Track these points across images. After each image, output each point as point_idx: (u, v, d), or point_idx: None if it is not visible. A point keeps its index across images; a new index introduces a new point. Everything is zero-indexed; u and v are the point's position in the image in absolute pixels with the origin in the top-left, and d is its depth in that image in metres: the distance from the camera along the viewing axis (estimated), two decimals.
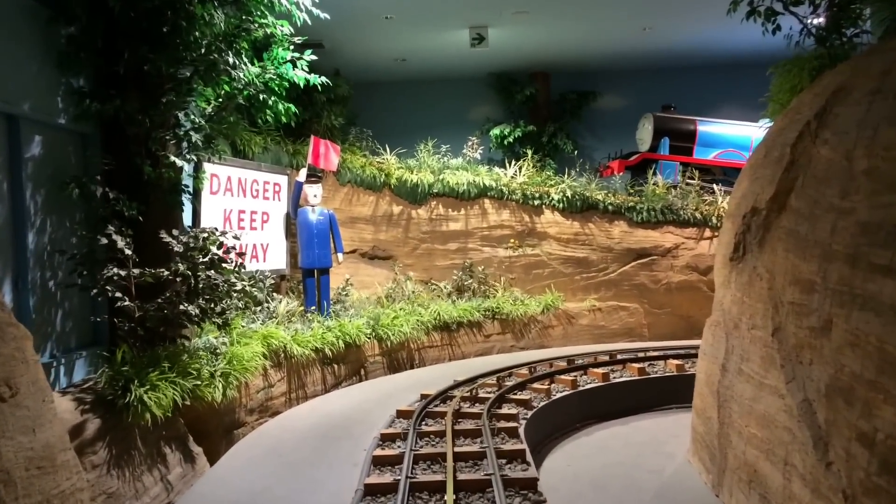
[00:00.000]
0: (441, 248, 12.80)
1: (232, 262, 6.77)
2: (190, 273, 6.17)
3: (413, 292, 12.06)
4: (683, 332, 12.94)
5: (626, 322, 12.91)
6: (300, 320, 9.69)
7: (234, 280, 6.74)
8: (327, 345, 9.28)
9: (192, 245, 6.54)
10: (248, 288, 7.10)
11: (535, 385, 8.46)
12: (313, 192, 10.48)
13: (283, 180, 10.57)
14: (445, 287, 12.45)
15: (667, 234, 13.13)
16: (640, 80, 16.50)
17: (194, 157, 7.38)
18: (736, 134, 14.99)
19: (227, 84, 7.57)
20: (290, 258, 10.71)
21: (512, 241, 12.94)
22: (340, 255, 10.83)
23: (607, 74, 16.56)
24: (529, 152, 13.66)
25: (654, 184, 13.60)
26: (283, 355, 8.64)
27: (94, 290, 6.01)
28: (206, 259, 6.57)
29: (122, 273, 5.95)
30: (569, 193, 13.04)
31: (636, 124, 15.55)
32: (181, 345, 6.72)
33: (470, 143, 13.68)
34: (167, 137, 6.91)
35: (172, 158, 6.79)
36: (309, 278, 10.42)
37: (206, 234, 6.60)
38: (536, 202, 13.09)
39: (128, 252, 6.12)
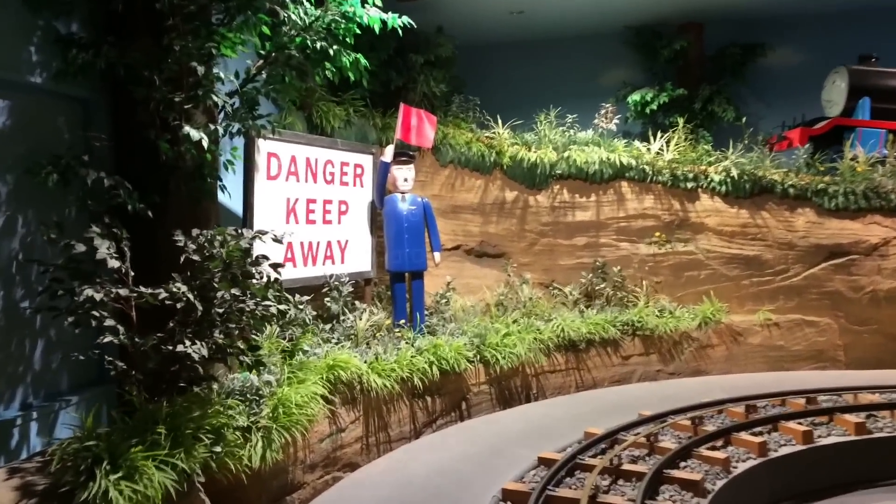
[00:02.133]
0: (565, 244, 10.50)
1: (262, 274, 4.87)
2: (191, 296, 4.32)
3: (530, 299, 9.87)
4: (893, 357, 9.90)
5: (814, 342, 10.04)
6: (387, 337, 7.80)
7: (270, 302, 4.85)
8: (417, 373, 7.33)
9: (206, 252, 4.71)
10: (291, 310, 5.23)
11: (707, 452, 6.03)
12: (403, 175, 8.53)
13: (366, 161, 8.70)
14: (571, 293, 10.16)
15: (872, 226, 10.07)
16: (822, 26, 13.20)
17: (233, 128, 5.60)
18: None
19: (267, 26, 5.72)
20: (376, 257, 8.85)
21: (657, 234, 10.41)
22: (437, 255, 8.83)
23: (779, 21, 13.40)
24: (680, 121, 10.95)
25: (852, 158, 10.52)
26: (358, 388, 6.78)
27: (71, 318, 4.32)
28: (224, 272, 4.72)
29: (98, 295, 4.21)
30: (734, 173, 10.29)
31: (819, 83, 12.39)
32: (204, 390, 4.95)
33: (603, 112, 11.20)
34: (188, 102, 5.14)
35: (188, 130, 5.00)
36: (398, 284, 8.51)
37: (221, 237, 4.74)
38: (690, 185, 10.45)
39: (115, 264, 4.38)
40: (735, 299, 10.23)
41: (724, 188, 10.37)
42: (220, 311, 4.74)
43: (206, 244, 4.80)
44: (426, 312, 8.78)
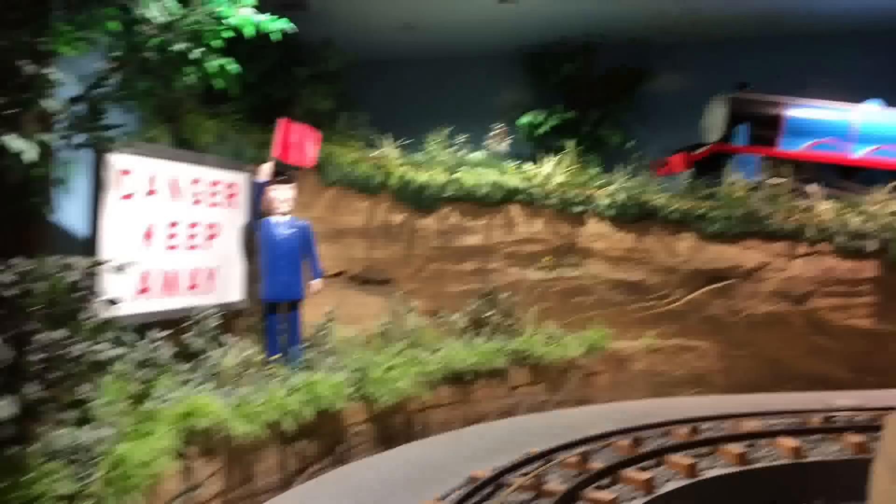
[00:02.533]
0: (454, 269, 10.23)
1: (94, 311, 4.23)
2: None
3: (416, 328, 9.49)
4: (769, 381, 10.22)
5: (694, 367, 10.22)
6: (258, 375, 7.19)
7: (102, 345, 4.21)
8: (288, 415, 6.77)
9: (23, 287, 4.03)
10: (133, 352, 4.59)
11: (594, 494, 5.81)
12: (281, 195, 7.98)
13: (241, 180, 8.08)
14: (459, 321, 9.87)
15: (749, 251, 10.40)
16: (705, 53, 13.72)
17: (75, 140, 4.92)
18: (832, 119, 12.19)
19: (118, 23, 5.08)
20: (249, 286, 8.21)
21: (547, 259, 10.33)
22: (318, 283, 8.29)
23: (664, 48, 13.82)
24: (571, 144, 10.96)
25: (731, 183, 10.86)
26: (218, 436, 6.14)
27: None
28: (47, 309, 4.05)
29: None
30: (621, 197, 10.37)
31: (699, 110, 12.82)
32: (18, 453, 4.21)
33: (494, 133, 11.06)
34: (13, 106, 4.43)
35: (9, 140, 4.29)
36: (272, 315, 7.92)
37: (44, 268, 4.08)
38: (578, 209, 10.45)
39: None
40: (620, 325, 10.27)
41: (611, 212, 10.43)
42: (38, 358, 4.06)
43: (22, 276, 4.10)
44: (303, 346, 8.22)
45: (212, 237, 7.71)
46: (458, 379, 8.84)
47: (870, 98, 12.73)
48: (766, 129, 12.22)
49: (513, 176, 10.44)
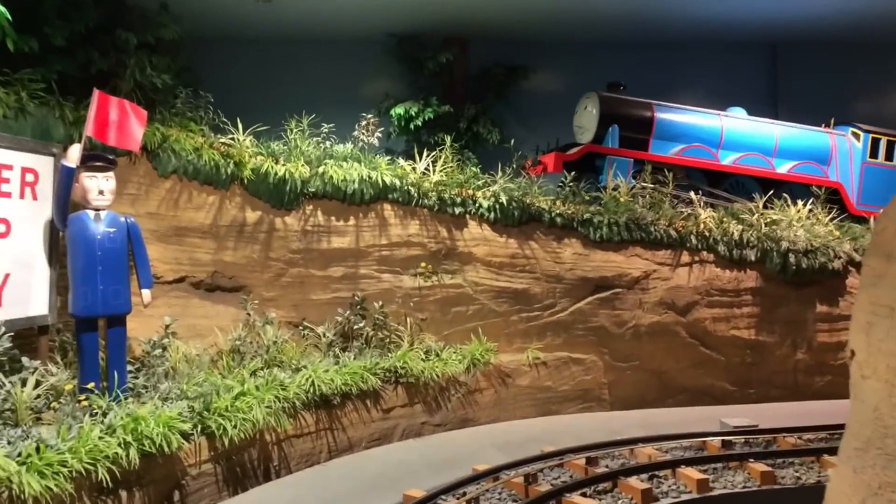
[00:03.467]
0: (319, 276, 9.04)
1: None
2: None
3: (275, 342, 8.23)
4: (655, 394, 9.92)
5: (581, 381, 9.69)
6: (68, 409, 5.68)
7: None
8: (104, 461, 5.33)
9: None
10: None
11: None
12: (97, 185, 6.46)
13: (44, 164, 6.49)
14: (325, 333, 8.70)
15: (633, 258, 10.05)
16: (581, 54, 13.50)
17: None
18: (702, 124, 12.26)
19: None
20: (56, 297, 6.60)
21: (423, 265, 9.39)
22: (147, 293, 6.82)
23: (539, 45, 13.44)
24: (448, 139, 10.09)
25: (614, 188, 10.49)
26: (5, 494, 4.64)
27: None
28: None
29: None
30: (503, 199, 9.66)
31: (573, 108, 12.48)
32: None
33: (364, 124, 9.99)
34: None
35: None
36: (87, 333, 6.36)
37: None
38: (458, 210, 9.61)
39: None
40: (504, 337, 9.55)
41: (492, 215, 9.68)
42: None
43: None
44: (131, 369, 6.73)
45: (2, 236, 6.06)
46: (324, 403, 7.68)
47: (733, 106, 12.99)
48: (638, 131, 12.07)
49: (385, 172, 9.42)
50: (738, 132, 12.42)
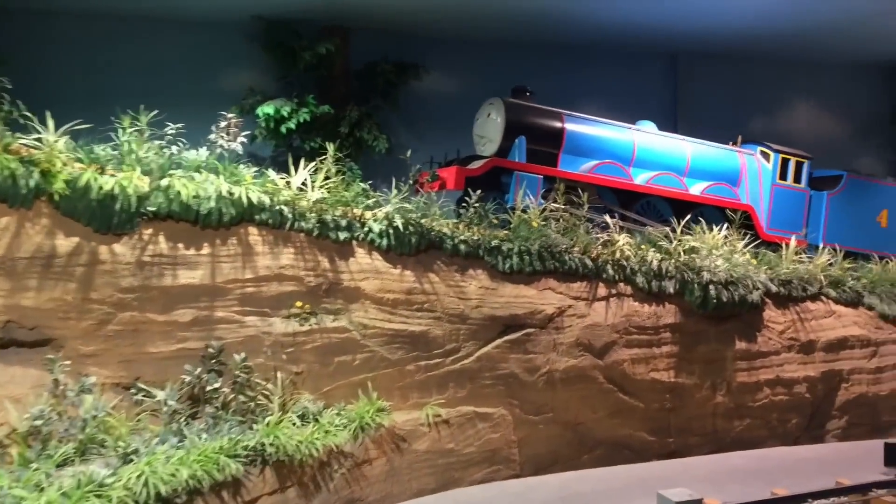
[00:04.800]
0: (161, 321, 6.98)
1: None
2: None
3: (95, 417, 6.13)
4: (570, 450, 8.68)
5: (487, 440, 8.24)
6: None
7: None
8: None
9: None
10: None
11: None
12: None
13: None
14: (167, 400, 6.66)
15: (547, 292, 8.76)
16: (481, 53, 12.12)
17: None
18: (614, 139, 11.25)
19: None
20: None
21: (299, 304, 7.56)
22: None
23: (434, 41, 11.92)
24: (330, 148, 8.27)
25: (523, 210, 9.14)
26: None
27: None
28: None
29: None
30: (398, 222, 8.02)
31: (474, 115, 11.09)
32: None
33: (223, 126, 7.96)
34: None
35: None
36: None
37: None
38: (343, 235, 7.87)
39: None
40: (398, 391, 7.90)
41: (385, 242, 8.02)
42: None
43: None
44: None
45: None
46: None
47: (642, 119, 12.14)
48: (547, 144, 10.88)
49: (251, 186, 7.51)
50: (651, 149, 11.53)
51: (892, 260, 12.22)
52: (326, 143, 8.53)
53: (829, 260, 10.89)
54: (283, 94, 10.38)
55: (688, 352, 9.35)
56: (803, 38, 13.63)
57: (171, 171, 7.17)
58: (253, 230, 7.54)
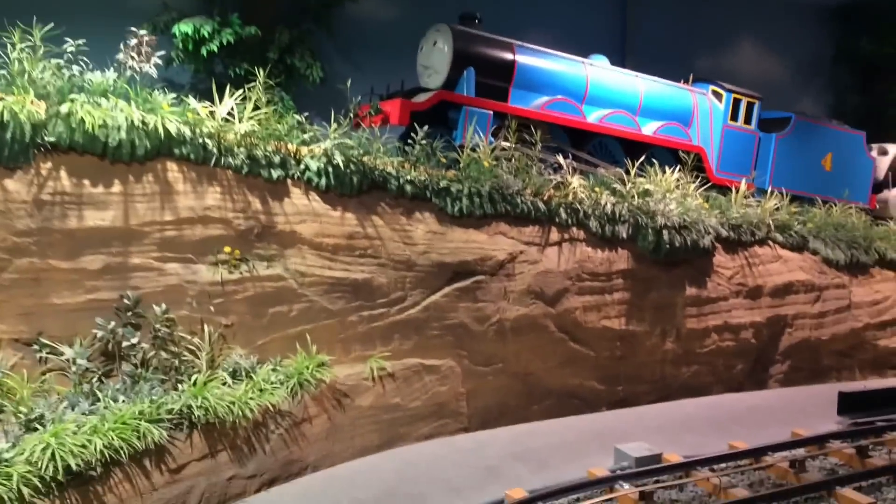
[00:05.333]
0: (66, 269, 6.14)
1: None
2: None
3: None
4: (519, 401, 8.37)
5: (435, 393, 7.81)
6: None
7: None
8: None
9: None
10: None
11: None
12: None
13: None
14: (76, 357, 5.90)
15: (498, 237, 8.27)
16: None
17: None
18: (567, 73, 10.66)
19: None
20: None
21: (227, 250, 6.82)
22: None
23: None
24: (260, 73, 7.36)
25: (473, 149, 8.53)
26: None
27: None
28: None
29: None
30: (338, 159, 7.29)
31: (417, 44, 10.28)
32: None
33: (134, 44, 6.93)
34: None
35: None
36: None
37: None
38: (276, 173, 7.11)
39: None
40: (339, 343, 7.33)
41: (323, 181, 7.31)
42: None
43: None
44: None
45: None
46: (75, 480, 5.02)
47: (594, 53, 11.58)
48: (497, 77, 10.19)
49: (169, 116, 6.60)
50: (604, 85, 10.99)
51: (835, 204, 12.29)
52: (255, 68, 7.61)
53: (776, 204, 10.79)
54: (203, 12, 9.28)
55: (639, 298, 9.11)
56: None
57: (73, 96, 6.19)
58: (172, 166, 6.69)
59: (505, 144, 8.76)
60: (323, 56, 10.38)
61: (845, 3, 14.92)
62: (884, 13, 14.85)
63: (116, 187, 6.40)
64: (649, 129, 11.34)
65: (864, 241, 11.47)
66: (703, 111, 12.10)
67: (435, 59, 10.02)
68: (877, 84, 15.82)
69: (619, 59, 13.08)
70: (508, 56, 10.19)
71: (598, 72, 10.98)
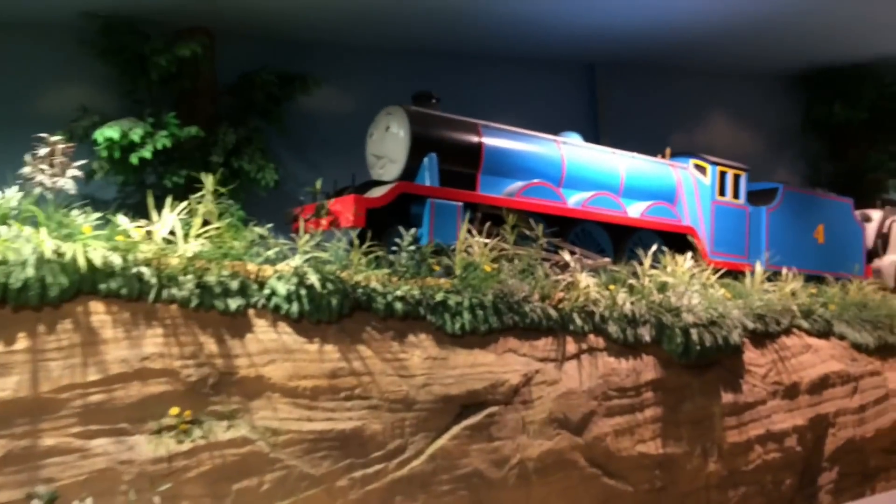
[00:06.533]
0: None
1: None
2: None
3: None
4: None
5: None
6: None
7: None
8: None
9: None
10: None
11: None
12: None
13: None
14: None
15: (508, 356, 6.91)
16: (382, 62, 10.23)
17: None
18: (540, 154, 9.72)
19: None
20: None
21: (175, 412, 5.24)
22: None
23: (325, 48, 9.91)
24: (209, 181, 5.97)
25: (466, 250, 7.28)
26: None
27: None
28: None
29: None
30: (313, 279, 5.91)
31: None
32: None
33: (44, 154, 5.50)
34: None
35: None
36: None
37: None
38: (235, 303, 5.66)
39: None
40: None
41: (295, 307, 5.88)
42: None
43: None
44: None
45: None
46: None
47: (566, 131, 10.76)
48: (462, 162, 9.13)
49: (92, 242, 5.16)
50: (581, 165, 10.09)
51: (836, 279, 11.48)
52: (199, 174, 6.24)
53: (794, 286, 9.84)
54: (130, 115, 7.96)
55: (673, 413, 7.81)
56: (713, 48, 13.06)
57: None
58: (97, 306, 5.19)
59: (502, 243, 7.56)
60: (275, 154, 9.14)
61: (812, 70, 14.78)
62: (852, 78, 14.76)
63: (21, 343, 4.84)
64: (635, 210, 10.43)
65: (886, 319, 10.59)
66: (688, 187, 11.31)
67: (389, 146, 8.90)
68: (850, 149, 15.60)
69: (592, 136, 12.33)
70: (474, 138, 9.17)
71: (573, 150, 10.11)
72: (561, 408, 6.99)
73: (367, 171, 9.20)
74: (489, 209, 8.73)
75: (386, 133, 8.98)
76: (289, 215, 8.44)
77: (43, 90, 8.34)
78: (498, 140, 9.46)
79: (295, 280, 5.92)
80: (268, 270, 6.01)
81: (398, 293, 6.44)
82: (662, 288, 8.22)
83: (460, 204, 8.51)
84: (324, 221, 7.96)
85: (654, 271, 8.37)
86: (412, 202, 8.54)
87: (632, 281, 8.21)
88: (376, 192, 8.43)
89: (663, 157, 11.58)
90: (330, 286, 6.05)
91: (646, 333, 7.75)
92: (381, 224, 8.22)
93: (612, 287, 7.91)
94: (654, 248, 8.74)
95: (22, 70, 8.21)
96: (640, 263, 8.47)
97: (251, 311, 5.79)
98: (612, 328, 7.60)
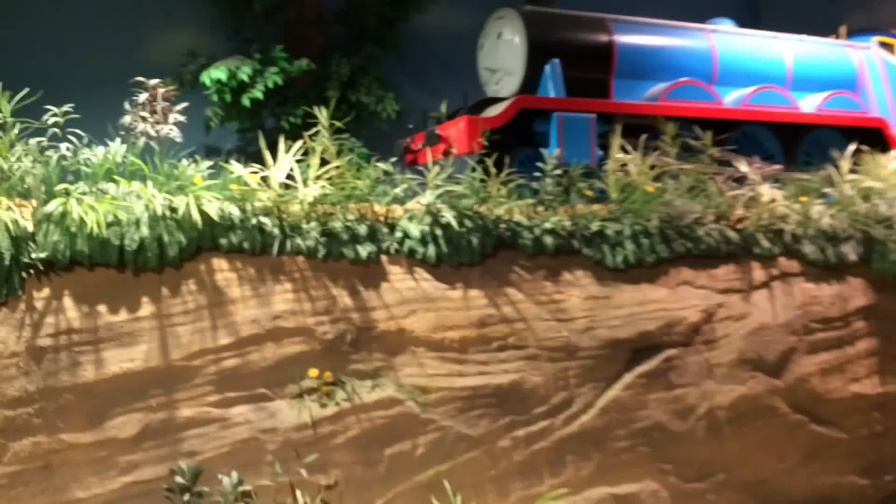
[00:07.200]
0: (87, 443, 4.45)
1: None
2: None
3: None
4: None
5: None
6: None
7: None
8: None
9: None
10: None
11: None
12: None
13: None
14: None
15: (683, 289, 6.14)
16: None
17: None
18: (686, 48, 8.66)
19: None
20: None
21: (313, 373, 4.92)
22: None
23: None
24: (323, 116, 5.49)
25: (623, 166, 6.46)
26: None
27: None
28: None
29: None
30: (448, 216, 5.35)
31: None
32: None
33: (143, 101, 5.17)
34: None
35: None
36: None
37: None
38: (366, 250, 5.24)
39: None
40: (491, 484, 5.30)
41: (432, 250, 5.38)
42: None
43: None
44: None
45: None
46: None
47: (717, 17, 9.54)
48: (591, 67, 8.17)
49: (205, 193, 4.83)
50: (738, 55, 8.93)
51: None
52: (319, 108, 5.76)
53: None
54: (236, 51, 7.67)
55: (891, 343, 6.78)
56: None
57: (64, 186, 4.49)
58: (221, 263, 4.92)
59: (662, 156, 6.67)
60: (392, 82, 8.63)
61: None
62: None
63: (146, 308, 4.64)
64: (809, 104, 9.13)
65: None
66: (874, 71, 9.81)
67: (503, 56, 8.11)
68: None
69: (749, 20, 10.93)
70: (603, 37, 8.21)
71: (726, 39, 8.95)
72: (753, 346, 6.17)
73: (482, 88, 8.47)
74: (628, 118, 7.82)
75: (498, 41, 8.22)
76: (399, 146, 7.94)
77: (149, 38, 8.22)
78: (632, 36, 8.46)
79: (428, 219, 5.41)
80: (397, 210, 5.55)
81: (547, 225, 5.80)
82: (867, 195, 7.05)
83: (593, 115, 7.61)
84: (436, 150, 7.34)
85: (853, 176, 7.19)
86: (536, 118, 7.75)
87: (827, 189, 7.09)
88: (492, 111, 7.70)
89: (838, 37, 10.13)
90: (468, 223, 5.50)
91: (851, 251, 6.70)
92: (502, 147, 7.46)
93: (802, 199, 6.84)
94: (852, 147, 7.51)
95: (127, 17, 8.12)
96: (821, 168, 7.34)
97: (384, 258, 5.37)
98: (808, 248, 6.60)
